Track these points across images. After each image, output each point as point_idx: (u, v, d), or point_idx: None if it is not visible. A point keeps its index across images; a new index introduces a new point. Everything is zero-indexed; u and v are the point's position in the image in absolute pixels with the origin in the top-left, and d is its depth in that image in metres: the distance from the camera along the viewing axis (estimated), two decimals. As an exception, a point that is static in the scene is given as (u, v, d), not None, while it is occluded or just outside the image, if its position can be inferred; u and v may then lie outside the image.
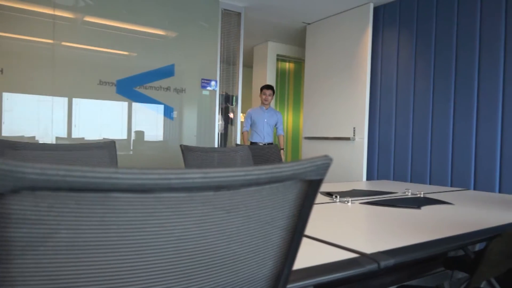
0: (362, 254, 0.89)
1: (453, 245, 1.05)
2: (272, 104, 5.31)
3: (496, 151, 3.19)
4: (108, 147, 1.72)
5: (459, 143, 3.46)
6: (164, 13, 3.80)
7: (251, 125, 4.93)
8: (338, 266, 0.83)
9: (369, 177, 4.25)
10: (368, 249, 0.92)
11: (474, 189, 3.32)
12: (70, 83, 3.34)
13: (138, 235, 0.47)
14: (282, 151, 4.73)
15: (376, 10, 4.18)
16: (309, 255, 0.90)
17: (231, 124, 4.70)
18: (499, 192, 3.17)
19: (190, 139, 4.06)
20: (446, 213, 1.55)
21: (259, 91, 4.95)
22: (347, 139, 4.33)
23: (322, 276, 0.78)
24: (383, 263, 0.86)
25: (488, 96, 3.26)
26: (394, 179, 3.97)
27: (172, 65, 3.82)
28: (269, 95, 4.81)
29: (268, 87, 4.88)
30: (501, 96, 3.18)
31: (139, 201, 0.45)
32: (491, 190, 3.19)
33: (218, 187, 0.49)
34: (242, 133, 4.86)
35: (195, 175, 0.46)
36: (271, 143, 4.83)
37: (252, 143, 4.87)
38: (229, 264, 0.57)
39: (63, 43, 3.33)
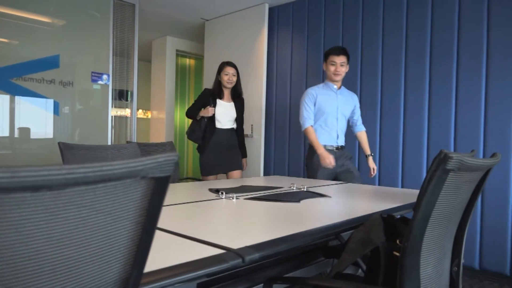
0: (229, 250, 0.89)
1: (319, 235, 1.12)
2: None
3: (376, 148, 3.50)
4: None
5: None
6: (48, -2, 3.47)
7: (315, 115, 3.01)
8: (202, 263, 0.82)
9: (266, 173, 4.38)
10: (237, 245, 0.93)
11: (358, 182, 3.60)
12: None
13: None
14: (370, 157, 3.12)
15: (271, 10, 4.30)
16: (176, 254, 0.88)
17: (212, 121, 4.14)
18: (379, 185, 3.48)
19: (84, 136, 3.79)
20: (322, 205, 1.65)
21: (324, 60, 2.98)
22: (245, 136, 4.40)
23: (184, 275, 0.77)
24: (248, 258, 0.87)
25: (369, 97, 3.56)
26: (289, 175, 4.14)
27: (57, 56, 3.51)
28: (342, 65, 2.90)
29: (339, 52, 2.91)
30: (379, 97, 3.50)
31: None
32: (372, 183, 3.49)
33: (35, 188, 0.44)
34: (305, 130, 2.96)
35: None
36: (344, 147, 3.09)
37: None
38: (62, 271, 0.52)
39: None
